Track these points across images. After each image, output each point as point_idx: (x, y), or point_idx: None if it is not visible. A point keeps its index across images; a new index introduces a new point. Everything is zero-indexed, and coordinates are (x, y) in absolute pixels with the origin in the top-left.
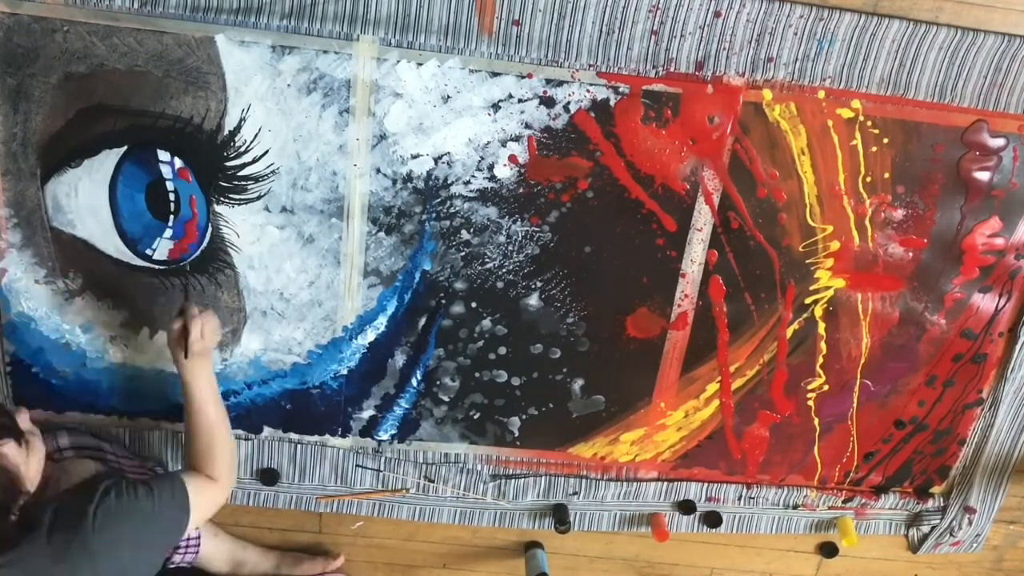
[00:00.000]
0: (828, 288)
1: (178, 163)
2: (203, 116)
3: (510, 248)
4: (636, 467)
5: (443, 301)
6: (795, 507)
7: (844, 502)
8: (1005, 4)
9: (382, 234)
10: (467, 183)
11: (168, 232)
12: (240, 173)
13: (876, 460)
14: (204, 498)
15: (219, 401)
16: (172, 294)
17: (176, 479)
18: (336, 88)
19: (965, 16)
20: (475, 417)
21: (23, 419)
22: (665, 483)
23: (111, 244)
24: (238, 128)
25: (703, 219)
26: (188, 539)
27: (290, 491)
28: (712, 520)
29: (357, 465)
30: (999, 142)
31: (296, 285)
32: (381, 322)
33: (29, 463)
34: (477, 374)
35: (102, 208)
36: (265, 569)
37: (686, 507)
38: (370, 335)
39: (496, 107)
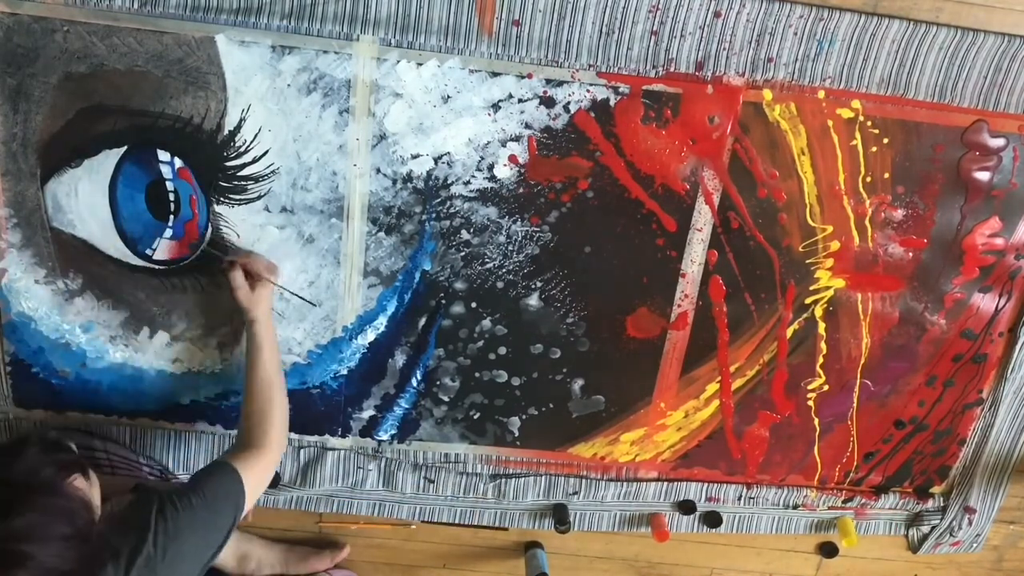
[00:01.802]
0: (828, 288)
1: (178, 163)
2: (203, 116)
3: (510, 248)
4: (636, 467)
5: (443, 301)
6: (795, 507)
7: (844, 502)
8: (1005, 4)
9: (382, 234)
10: (467, 183)
11: (168, 232)
12: (240, 173)
13: (876, 460)
14: (255, 475)
15: (277, 347)
16: (172, 294)
17: (224, 468)
18: (336, 88)
19: (965, 16)
20: (475, 417)
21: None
22: (665, 483)
23: (111, 244)
24: (238, 128)
25: (703, 219)
26: None
27: (290, 491)
28: (712, 520)
29: (357, 466)
30: (999, 142)
31: (296, 285)
32: (381, 322)
33: (93, 494)
34: (477, 374)
35: (102, 208)
36: (271, 562)
37: (686, 507)
38: (370, 335)
39: (496, 107)
